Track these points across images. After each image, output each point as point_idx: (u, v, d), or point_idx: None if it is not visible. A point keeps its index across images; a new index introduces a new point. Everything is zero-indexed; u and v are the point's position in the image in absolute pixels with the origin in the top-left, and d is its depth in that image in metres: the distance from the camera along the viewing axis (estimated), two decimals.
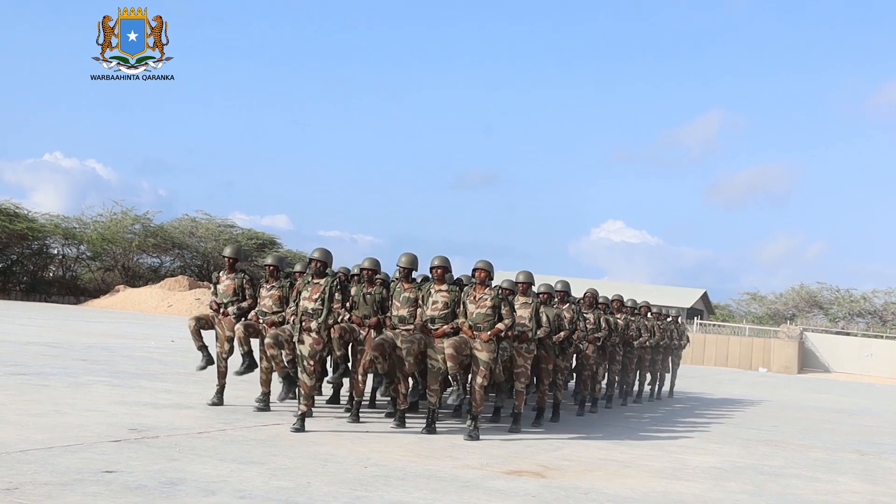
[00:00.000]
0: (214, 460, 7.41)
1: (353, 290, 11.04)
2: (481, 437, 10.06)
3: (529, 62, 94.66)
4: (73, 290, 54.20)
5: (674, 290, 57.78)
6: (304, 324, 9.77)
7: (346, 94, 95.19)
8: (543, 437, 10.68)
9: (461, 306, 10.19)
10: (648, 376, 17.91)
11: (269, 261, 11.35)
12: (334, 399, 12.34)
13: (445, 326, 10.09)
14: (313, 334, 9.74)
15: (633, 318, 15.88)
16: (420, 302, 10.30)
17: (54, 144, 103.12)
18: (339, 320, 10.14)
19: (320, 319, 9.72)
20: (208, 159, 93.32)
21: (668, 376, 19.11)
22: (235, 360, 11.29)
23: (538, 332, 11.04)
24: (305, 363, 9.73)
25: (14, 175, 79.71)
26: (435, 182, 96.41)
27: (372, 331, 10.77)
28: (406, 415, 10.64)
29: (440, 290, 10.24)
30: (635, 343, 15.72)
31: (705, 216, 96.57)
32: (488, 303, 10.10)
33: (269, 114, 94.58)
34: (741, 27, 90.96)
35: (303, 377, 9.72)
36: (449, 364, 9.86)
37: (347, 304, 10.79)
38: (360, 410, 10.93)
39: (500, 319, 10.10)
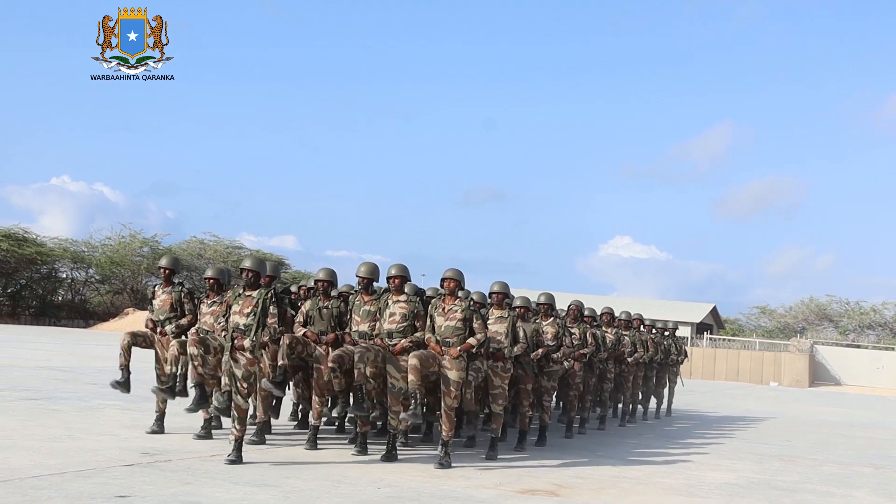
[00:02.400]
0: (228, 483, 7.41)
1: (307, 305, 10.12)
2: (453, 464, 9.13)
3: (536, 78, 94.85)
4: (82, 314, 54.30)
5: (683, 305, 57.60)
6: (235, 342, 8.68)
7: (353, 113, 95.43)
8: (556, 456, 10.64)
9: (428, 319, 9.38)
10: (641, 395, 16.63)
11: (209, 273, 10.26)
12: (303, 425, 11.37)
13: (404, 341, 9.24)
14: (247, 354, 8.65)
15: (625, 333, 15.00)
16: (378, 315, 9.53)
17: (62, 168, 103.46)
18: (274, 336, 9.04)
19: (253, 337, 8.65)
20: (215, 180, 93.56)
21: (665, 393, 17.88)
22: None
23: (514, 350, 10.18)
24: (239, 385, 8.61)
25: (22, 199, 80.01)
26: (443, 199, 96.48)
27: (329, 348, 9.83)
28: (368, 439, 9.74)
29: (398, 302, 9.42)
30: (629, 359, 14.88)
31: (714, 230, 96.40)
32: (458, 315, 9.27)
33: (275, 134, 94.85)
34: (749, 40, 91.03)
35: (237, 399, 8.58)
36: (410, 377, 8.93)
37: (299, 319, 10.03)
38: (321, 436, 10.18)
39: (472, 334, 9.30)
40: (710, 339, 48.37)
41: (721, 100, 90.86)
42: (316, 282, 10.30)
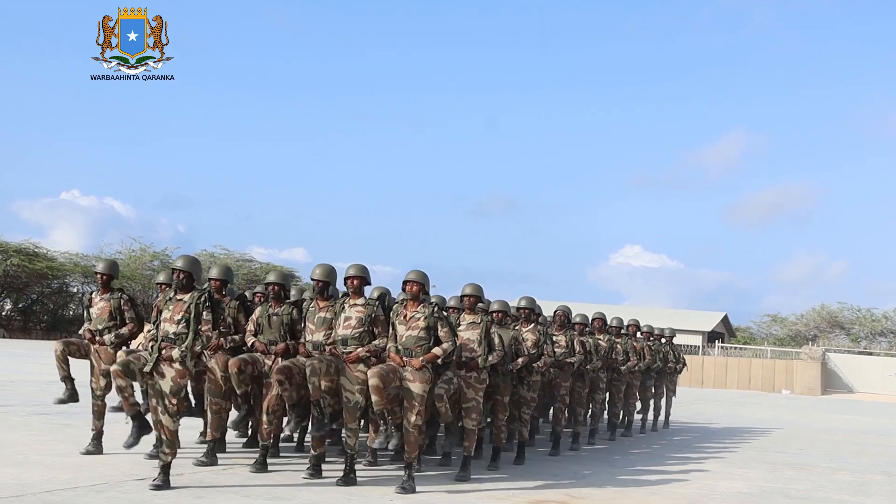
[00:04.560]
0: (240, 497, 7.42)
1: (257, 312, 9.27)
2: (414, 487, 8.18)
3: (547, 86, 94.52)
4: None
5: (694, 314, 57.49)
6: (163, 352, 7.83)
7: (363, 123, 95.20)
8: (565, 467, 10.61)
9: (390, 328, 8.49)
10: (639, 405, 15.87)
11: (160, 279, 9.86)
12: (252, 443, 10.32)
13: (360, 350, 8.36)
14: (175, 365, 7.76)
15: (618, 340, 14.11)
16: (334, 322, 8.59)
17: (72, 182, 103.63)
18: (207, 345, 8.12)
19: (183, 346, 7.79)
20: (226, 193, 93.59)
21: (662, 404, 16.83)
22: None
23: (489, 358, 9.24)
24: (167, 401, 7.73)
25: (32, 214, 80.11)
26: (454, 210, 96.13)
27: (279, 359, 8.92)
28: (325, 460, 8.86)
29: (355, 305, 8.50)
30: (623, 368, 14.03)
31: (725, 238, 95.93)
32: (421, 323, 8.32)
33: (285, 146, 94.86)
34: (762, 46, 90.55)
35: (164, 419, 7.73)
36: (374, 398, 8.03)
37: (250, 328, 9.23)
38: (280, 454, 9.68)
39: (438, 343, 8.39)
40: (722, 347, 48.21)
41: (734, 107, 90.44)
42: (266, 286, 9.43)
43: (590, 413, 13.61)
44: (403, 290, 8.66)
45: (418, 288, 8.50)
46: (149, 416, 8.32)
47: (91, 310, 9.68)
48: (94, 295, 9.78)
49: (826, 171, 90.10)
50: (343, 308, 8.53)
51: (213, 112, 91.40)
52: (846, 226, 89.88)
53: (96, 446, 9.45)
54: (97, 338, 9.51)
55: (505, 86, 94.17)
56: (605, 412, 14.70)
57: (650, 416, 16.55)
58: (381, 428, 8.52)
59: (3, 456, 8.84)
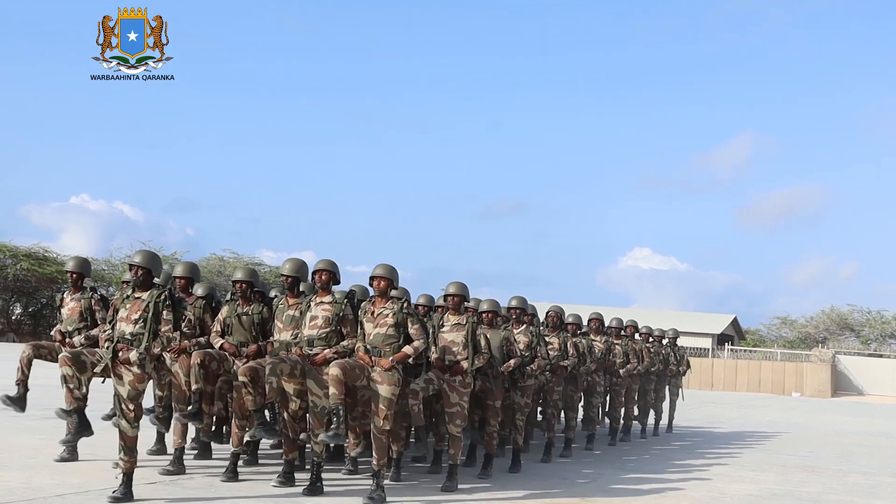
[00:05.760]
0: (250, 499, 7.42)
1: (224, 311, 8.80)
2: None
3: (556, 89, 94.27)
4: None
5: (704, 316, 57.32)
6: (120, 354, 7.39)
7: (370, 127, 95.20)
8: (573, 469, 10.59)
9: (359, 326, 8.05)
10: (636, 410, 15.24)
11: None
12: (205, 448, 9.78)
13: (328, 351, 7.86)
14: (134, 368, 7.33)
15: (617, 342, 13.70)
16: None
17: (81, 186, 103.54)
18: (168, 347, 7.73)
19: (141, 348, 7.34)
20: (234, 196, 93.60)
21: (665, 407, 16.38)
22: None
23: (475, 361, 8.70)
24: (124, 406, 7.31)
25: (41, 218, 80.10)
26: (463, 213, 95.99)
27: (249, 361, 8.40)
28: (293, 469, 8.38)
29: (322, 303, 8.04)
30: (622, 371, 13.56)
31: (735, 240, 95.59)
32: (389, 320, 7.89)
33: (291, 149, 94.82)
34: (771, 48, 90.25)
35: (122, 424, 7.31)
36: (332, 390, 7.50)
37: (216, 329, 8.76)
38: (246, 463, 9.17)
39: (409, 341, 7.97)
40: (731, 349, 48.12)
41: (743, 109, 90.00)
42: (234, 283, 8.92)
43: (587, 417, 12.96)
44: (371, 285, 8.21)
45: (386, 283, 8.07)
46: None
47: (62, 310, 9.28)
48: (65, 295, 9.38)
49: (836, 172, 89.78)
50: (309, 307, 8.08)
51: (219, 115, 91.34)
52: (856, 227, 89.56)
53: (71, 453, 9.12)
54: (67, 340, 9.11)
55: (513, 88, 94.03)
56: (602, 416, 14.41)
57: (651, 420, 16.00)
58: (332, 427, 7.61)
59: (14, 460, 8.87)
